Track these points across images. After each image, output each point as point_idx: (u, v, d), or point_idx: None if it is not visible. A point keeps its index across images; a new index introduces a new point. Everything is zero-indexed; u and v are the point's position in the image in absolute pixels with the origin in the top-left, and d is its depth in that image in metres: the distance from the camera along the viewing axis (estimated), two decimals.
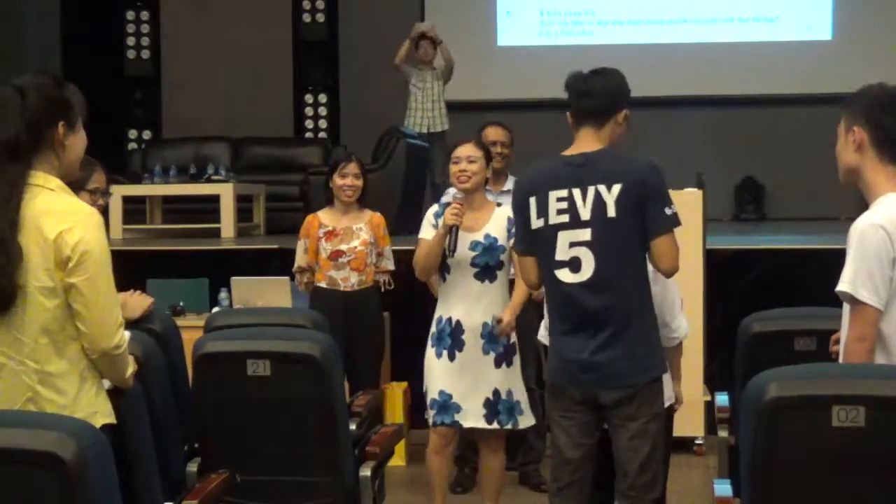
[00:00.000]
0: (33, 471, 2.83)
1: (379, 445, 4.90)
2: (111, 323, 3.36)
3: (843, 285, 3.51)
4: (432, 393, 5.56)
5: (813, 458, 3.22)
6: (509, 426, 5.59)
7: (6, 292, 3.26)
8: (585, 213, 4.25)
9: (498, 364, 5.53)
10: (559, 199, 4.29)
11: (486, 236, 5.51)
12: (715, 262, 7.30)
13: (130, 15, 14.24)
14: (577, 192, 4.26)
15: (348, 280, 6.70)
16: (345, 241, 6.70)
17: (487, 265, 5.50)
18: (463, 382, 5.50)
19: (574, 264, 4.27)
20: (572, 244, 4.26)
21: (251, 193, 10.97)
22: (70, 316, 3.33)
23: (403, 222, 10.62)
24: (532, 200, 4.35)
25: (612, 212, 4.23)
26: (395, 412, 7.56)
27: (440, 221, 5.52)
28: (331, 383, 4.57)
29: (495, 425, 5.55)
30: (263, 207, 11.34)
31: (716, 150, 12.61)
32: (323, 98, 14.02)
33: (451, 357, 5.54)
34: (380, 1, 13.73)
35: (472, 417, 5.53)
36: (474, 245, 5.49)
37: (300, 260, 6.78)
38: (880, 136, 3.62)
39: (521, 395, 5.59)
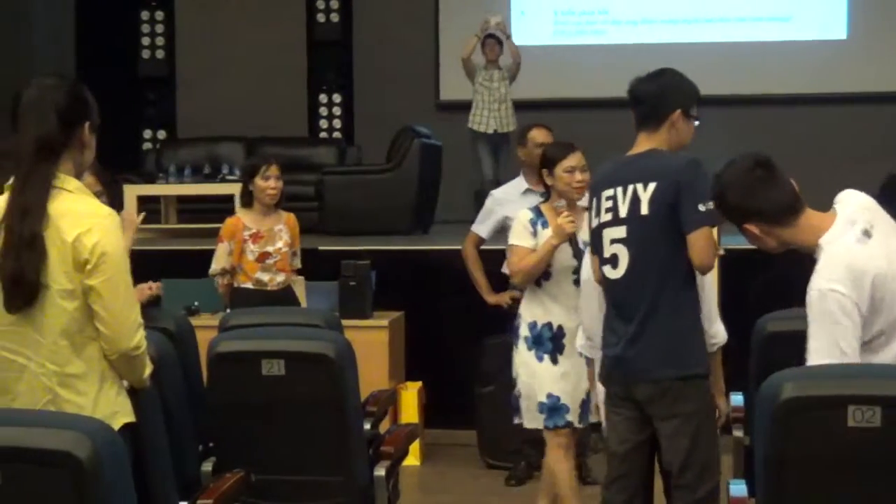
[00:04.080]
0: (49, 470, 2.84)
1: (393, 445, 4.91)
2: (130, 324, 3.37)
3: (812, 360, 3.60)
4: (538, 397, 5.56)
5: (828, 458, 3.21)
6: (588, 423, 5.65)
7: (32, 288, 3.28)
8: (623, 211, 4.34)
9: (588, 364, 5.51)
10: (607, 199, 4.39)
11: (584, 243, 5.37)
12: (729, 262, 7.28)
13: (145, 15, 14.23)
14: (619, 191, 4.35)
15: (275, 280, 6.78)
16: (269, 242, 6.76)
17: None
18: (569, 384, 5.52)
19: (614, 261, 4.37)
20: (612, 241, 4.37)
21: None
22: (89, 317, 3.34)
23: (417, 222, 10.63)
24: (594, 201, 4.48)
25: (644, 209, 4.29)
26: (410, 412, 7.57)
27: (539, 229, 5.56)
28: (345, 383, 4.58)
29: (583, 424, 5.61)
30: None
31: (730, 150, 12.54)
32: (337, 98, 14.00)
33: (554, 361, 5.56)
34: (394, 1, 13.71)
35: (575, 415, 5.56)
36: (576, 252, 5.50)
37: (223, 262, 6.79)
38: (762, 218, 3.75)
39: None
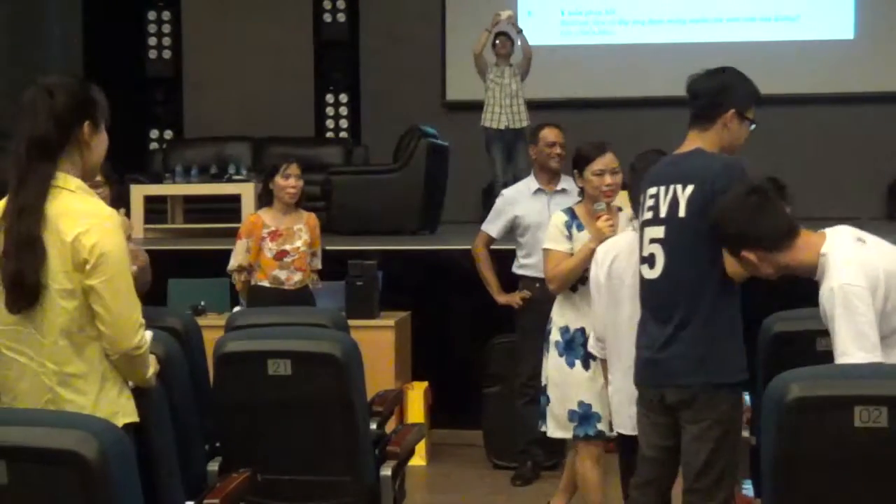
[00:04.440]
0: (56, 469, 2.84)
1: (399, 445, 4.90)
2: (131, 324, 3.36)
3: (841, 358, 3.60)
4: (569, 405, 5.42)
5: (835, 458, 3.21)
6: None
7: (33, 290, 3.28)
8: (663, 211, 4.25)
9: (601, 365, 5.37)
10: (650, 197, 4.32)
11: None
12: None
13: (152, 15, 14.27)
14: (662, 191, 4.26)
15: (292, 279, 6.79)
16: (288, 241, 6.78)
17: None
18: (599, 390, 5.34)
19: (650, 260, 4.29)
20: (651, 240, 4.29)
21: None
22: (90, 317, 3.34)
23: (424, 222, 10.63)
24: (641, 197, 4.39)
25: (682, 212, 4.19)
26: (416, 412, 7.57)
27: (575, 232, 5.42)
28: (351, 382, 4.58)
29: (614, 432, 5.35)
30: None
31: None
32: (344, 98, 14.02)
33: (586, 366, 5.40)
34: (401, 1, 13.72)
35: (606, 424, 5.35)
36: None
37: (241, 259, 6.82)
38: (761, 245, 3.81)
39: None
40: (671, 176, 4.28)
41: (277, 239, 6.76)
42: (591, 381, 5.38)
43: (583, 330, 5.40)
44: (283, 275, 6.75)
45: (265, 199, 6.92)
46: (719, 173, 4.16)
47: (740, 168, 4.19)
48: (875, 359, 3.58)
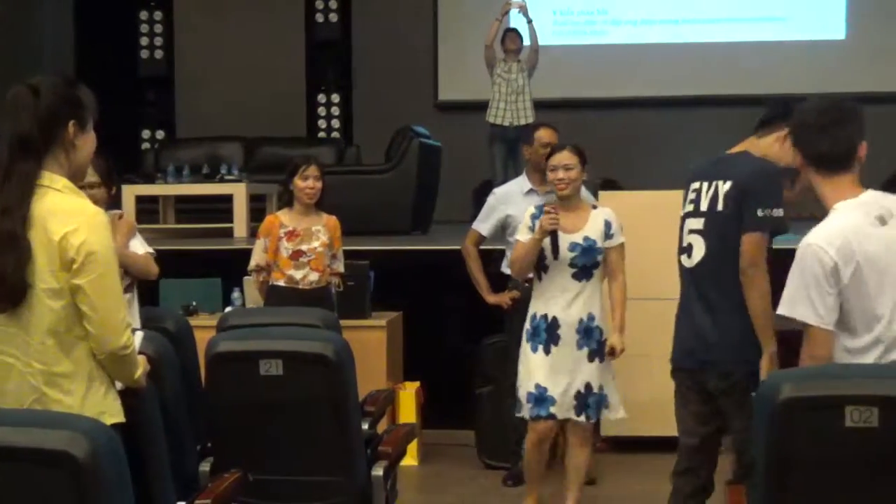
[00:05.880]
0: (46, 470, 2.83)
1: (391, 445, 4.91)
2: (117, 323, 3.35)
3: (780, 308, 3.68)
4: (528, 387, 5.73)
5: (826, 458, 3.21)
6: (594, 420, 5.80)
7: (17, 290, 3.27)
8: (704, 205, 4.55)
9: (591, 359, 5.72)
10: (693, 191, 4.63)
11: (585, 238, 5.70)
12: None
13: (144, 15, 14.26)
14: (705, 185, 4.58)
15: (307, 279, 6.76)
16: (305, 241, 6.77)
17: (585, 266, 5.69)
18: (558, 376, 5.69)
19: (688, 250, 4.58)
20: (691, 231, 4.58)
21: (264, 193, 10.95)
22: (77, 317, 3.32)
23: (416, 222, 10.63)
24: (684, 192, 4.69)
25: (720, 205, 4.50)
26: (408, 412, 7.57)
27: (537, 224, 5.68)
28: (343, 383, 4.58)
29: (582, 418, 5.73)
30: (276, 207, 11.28)
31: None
32: (336, 98, 14.03)
33: (547, 351, 5.71)
34: (393, 1, 13.73)
35: (565, 409, 5.70)
36: (573, 246, 5.67)
37: (259, 258, 6.83)
38: (812, 155, 3.79)
39: (611, 391, 5.77)
40: (715, 173, 4.59)
41: (294, 239, 6.76)
42: (549, 365, 5.68)
43: (545, 316, 5.71)
44: (298, 274, 6.74)
45: (285, 199, 6.94)
46: (753, 173, 4.49)
47: (776, 173, 4.47)
48: (813, 320, 3.60)
